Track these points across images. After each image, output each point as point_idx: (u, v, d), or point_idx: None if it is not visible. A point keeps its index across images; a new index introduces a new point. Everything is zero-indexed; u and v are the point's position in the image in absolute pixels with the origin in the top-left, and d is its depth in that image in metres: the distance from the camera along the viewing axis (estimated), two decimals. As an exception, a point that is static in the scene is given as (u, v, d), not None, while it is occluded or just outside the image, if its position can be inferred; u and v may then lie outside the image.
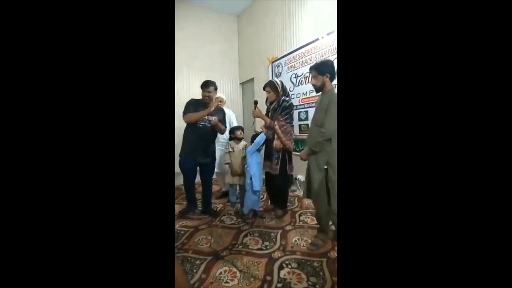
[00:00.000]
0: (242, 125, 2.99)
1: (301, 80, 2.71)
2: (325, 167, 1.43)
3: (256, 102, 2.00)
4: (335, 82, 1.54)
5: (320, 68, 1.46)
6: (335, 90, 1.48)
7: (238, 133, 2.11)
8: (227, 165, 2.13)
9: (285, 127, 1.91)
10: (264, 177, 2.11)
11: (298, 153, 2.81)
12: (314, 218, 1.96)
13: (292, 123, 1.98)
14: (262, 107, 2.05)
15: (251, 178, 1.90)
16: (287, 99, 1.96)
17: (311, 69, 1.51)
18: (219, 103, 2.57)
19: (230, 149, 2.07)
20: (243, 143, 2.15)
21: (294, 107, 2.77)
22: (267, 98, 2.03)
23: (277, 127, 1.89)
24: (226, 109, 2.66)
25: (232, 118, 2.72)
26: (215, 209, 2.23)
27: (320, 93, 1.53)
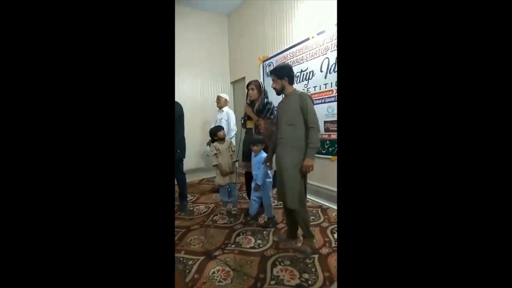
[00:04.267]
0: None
1: (292, 79, 2.73)
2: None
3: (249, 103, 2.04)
4: (295, 85, 1.54)
5: (278, 72, 1.49)
6: (298, 92, 1.48)
7: (220, 133, 2.04)
8: (215, 167, 2.05)
9: (272, 128, 1.92)
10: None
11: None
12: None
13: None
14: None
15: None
16: (270, 101, 1.99)
17: (270, 73, 1.53)
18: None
19: (215, 151, 1.99)
20: (227, 141, 2.10)
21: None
22: (248, 96, 2.02)
23: (263, 129, 1.89)
24: (227, 109, 2.72)
25: (231, 118, 2.72)
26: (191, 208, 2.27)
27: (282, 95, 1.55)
